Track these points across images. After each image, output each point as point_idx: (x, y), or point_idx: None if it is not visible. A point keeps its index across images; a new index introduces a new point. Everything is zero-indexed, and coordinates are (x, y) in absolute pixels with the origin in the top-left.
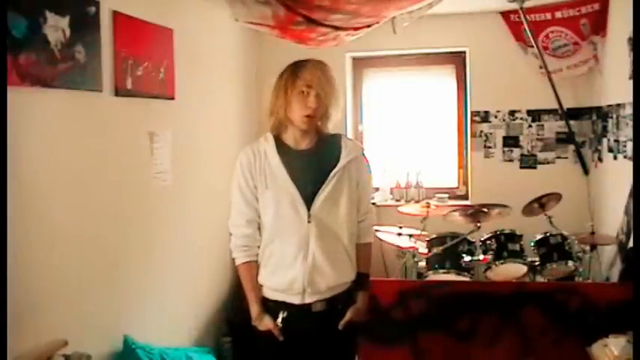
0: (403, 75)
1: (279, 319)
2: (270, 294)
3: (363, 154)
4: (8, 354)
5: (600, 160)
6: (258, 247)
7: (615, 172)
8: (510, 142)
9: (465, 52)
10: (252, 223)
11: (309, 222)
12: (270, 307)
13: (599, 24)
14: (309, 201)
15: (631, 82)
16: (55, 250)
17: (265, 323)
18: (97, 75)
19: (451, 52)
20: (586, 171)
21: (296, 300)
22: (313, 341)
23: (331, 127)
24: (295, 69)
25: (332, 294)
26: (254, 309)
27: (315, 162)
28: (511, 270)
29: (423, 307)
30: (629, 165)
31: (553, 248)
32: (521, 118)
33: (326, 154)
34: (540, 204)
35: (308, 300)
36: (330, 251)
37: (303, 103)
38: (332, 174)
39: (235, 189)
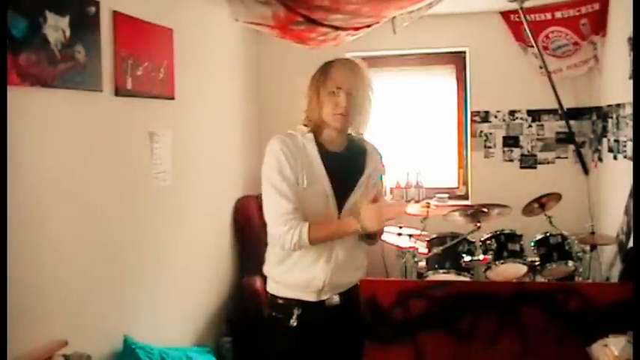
0: (403, 75)
1: (294, 318)
2: (282, 291)
3: (381, 158)
4: (8, 354)
5: (600, 160)
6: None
7: (615, 172)
8: (510, 142)
9: (465, 52)
10: (294, 202)
11: None
12: (282, 305)
13: (599, 24)
14: (339, 204)
15: (631, 82)
16: (54, 250)
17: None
18: (97, 75)
19: (451, 52)
20: (586, 171)
21: (312, 297)
22: (328, 336)
23: (366, 127)
24: (325, 70)
25: (345, 288)
26: (347, 224)
27: (346, 165)
28: (511, 270)
29: (423, 307)
30: (629, 165)
31: (553, 248)
32: (521, 118)
33: (355, 157)
34: (540, 204)
35: (324, 297)
36: (352, 252)
37: (334, 102)
38: (361, 179)
39: (276, 178)
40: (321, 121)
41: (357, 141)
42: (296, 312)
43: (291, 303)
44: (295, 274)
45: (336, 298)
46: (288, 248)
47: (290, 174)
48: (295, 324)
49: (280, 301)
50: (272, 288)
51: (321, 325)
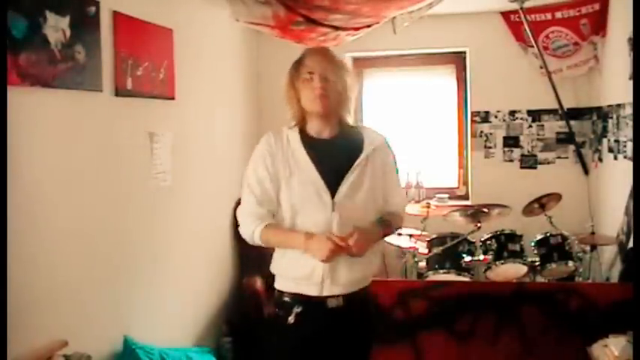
0: (403, 75)
1: (292, 315)
2: (285, 285)
3: (388, 145)
4: (8, 354)
5: (600, 160)
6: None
7: (615, 173)
8: (510, 142)
9: (465, 52)
10: (264, 205)
11: (332, 210)
12: (284, 302)
13: (599, 24)
14: (333, 189)
15: (631, 82)
16: (54, 250)
17: (319, 240)
18: (97, 75)
19: (451, 52)
20: (586, 171)
21: (314, 291)
22: (328, 340)
23: (352, 111)
24: (297, 61)
25: (350, 290)
26: (296, 237)
27: (338, 150)
28: (511, 270)
29: (423, 308)
30: (629, 165)
31: (553, 248)
32: (521, 118)
33: (349, 143)
34: (540, 204)
35: (326, 292)
36: None
37: (310, 87)
38: (357, 162)
39: (251, 176)
40: (304, 112)
41: (354, 127)
42: (295, 310)
43: (295, 299)
44: (296, 266)
45: (338, 300)
46: (246, 237)
47: (263, 173)
48: (293, 321)
49: (285, 298)
50: (278, 284)
51: (321, 327)
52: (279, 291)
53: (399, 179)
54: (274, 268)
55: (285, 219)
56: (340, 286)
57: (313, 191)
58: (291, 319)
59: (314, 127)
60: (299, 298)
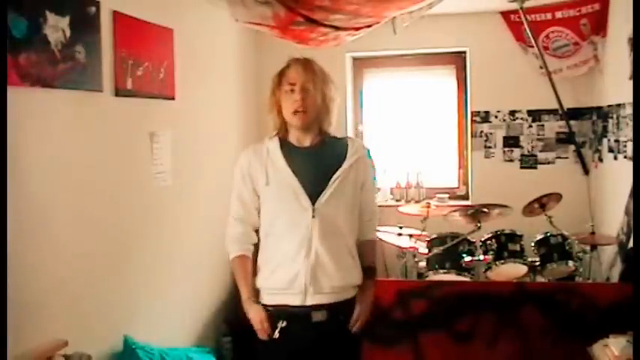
0: (403, 75)
1: (277, 330)
2: (268, 298)
3: (370, 156)
4: (8, 354)
5: (600, 160)
6: (253, 245)
7: (615, 172)
8: (511, 142)
9: (465, 52)
10: (245, 221)
11: (313, 217)
12: (269, 314)
13: (599, 24)
14: (313, 196)
15: (631, 82)
16: (54, 250)
17: (255, 310)
18: (97, 75)
19: (451, 52)
20: (586, 171)
21: (297, 301)
22: (313, 354)
23: (333, 122)
24: (279, 72)
25: (334, 299)
26: (244, 291)
27: (319, 159)
28: (511, 270)
29: (423, 308)
30: (629, 165)
31: (553, 248)
32: (521, 118)
33: (331, 152)
34: (540, 204)
35: (309, 302)
36: (334, 248)
37: (290, 100)
38: (339, 172)
39: (234, 189)
40: (285, 123)
41: (337, 139)
42: (280, 325)
43: (279, 313)
44: (278, 272)
45: (322, 314)
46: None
47: (245, 192)
48: (277, 336)
49: (269, 309)
50: (262, 298)
51: (306, 341)
52: (263, 305)
53: (375, 190)
54: (258, 281)
55: (266, 224)
56: (324, 295)
57: (293, 199)
58: (276, 334)
59: (295, 137)
60: (283, 312)
